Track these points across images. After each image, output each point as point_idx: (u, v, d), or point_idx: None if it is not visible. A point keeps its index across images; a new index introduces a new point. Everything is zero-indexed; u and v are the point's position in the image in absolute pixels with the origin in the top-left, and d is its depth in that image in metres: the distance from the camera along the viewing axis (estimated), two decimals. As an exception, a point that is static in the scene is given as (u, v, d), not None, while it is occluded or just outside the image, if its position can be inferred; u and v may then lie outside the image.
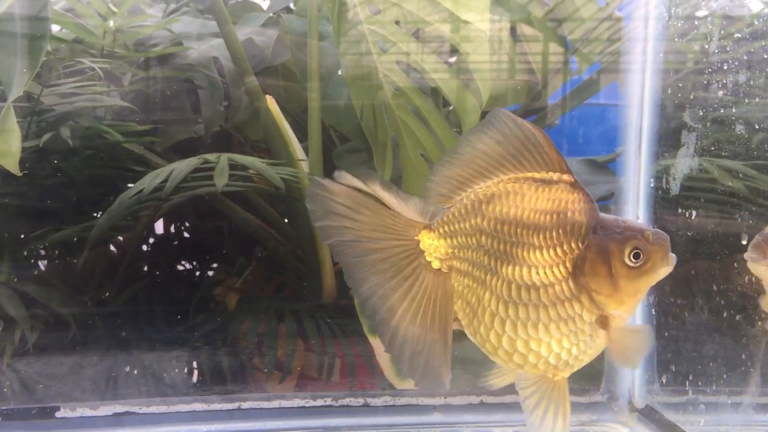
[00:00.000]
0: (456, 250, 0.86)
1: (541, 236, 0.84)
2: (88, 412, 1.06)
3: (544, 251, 0.84)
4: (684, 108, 1.01)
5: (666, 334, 1.00)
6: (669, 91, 1.13)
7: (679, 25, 1.13)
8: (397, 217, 0.86)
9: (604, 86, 1.61)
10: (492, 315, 0.84)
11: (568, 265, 0.84)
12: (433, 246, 0.86)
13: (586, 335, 0.85)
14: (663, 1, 1.16)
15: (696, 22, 1.12)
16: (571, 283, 0.84)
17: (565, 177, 0.84)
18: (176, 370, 1.39)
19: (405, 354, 0.85)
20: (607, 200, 1.45)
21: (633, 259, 0.84)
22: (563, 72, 1.68)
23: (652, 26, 1.18)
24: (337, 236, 0.87)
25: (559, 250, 0.84)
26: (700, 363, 1.01)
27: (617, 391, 1.23)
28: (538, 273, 0.83)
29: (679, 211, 1.05)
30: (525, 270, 0.83)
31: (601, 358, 1.15)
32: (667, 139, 1.12)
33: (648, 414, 1.15)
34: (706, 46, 1.05)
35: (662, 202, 1.10)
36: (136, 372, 1.35)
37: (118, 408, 1.07)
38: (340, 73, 1.53)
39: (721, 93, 1.01)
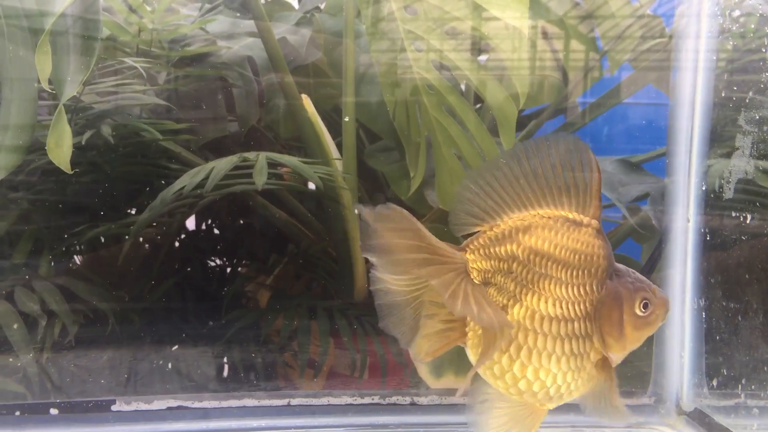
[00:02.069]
0: (488, 273, 0.87)
1: (568, 273, 0.87)
2: (143, 406, 1.09)
3: (570, 288, 0.87)
4: (738, 110, 1.01)
5: (717, 338, 1.00)
6: (723, 95, 1.12)
7: (735, 27, 1.12)
8: (435, 239, 0.84)
9: (639, 88, 1.61)
10: (509, 340, 0.87)
11: (588, 304, 0.88)
12: (475, 269, 0.87)
13: (585, 373, 0.89)
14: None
15: (748, 20, 1.11)
16: (587, 322, 0.88)
17: (594, 222, 0.88)
18: (210, 365, 1.41)
19: None
20: (643, 201, 1.45)
21: (642, 309, 0.89)
22: (586, 72, 1.67)
23: (705, 24, 1.17)
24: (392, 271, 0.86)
25: (582, 289, 0.87)
26: (754, 367, 1.01)
27: (664, 394, 1.22)
28: (561, 307, 0.86)
29: (734, 214, 1.05)
30: (550, 302, 0.86)
31: (648, 361, 1.15)
32: (720, 141, 1.11)
33: (697, 417, 1.14)
34: (764, 49, 1.04)
35: (715, 205, 1.10)
36: (170, 366, 1.37)
37: (171, 402, 1.10)
38: (372, 71, 1.54)
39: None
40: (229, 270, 1.71)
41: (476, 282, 0.86)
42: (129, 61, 1.33)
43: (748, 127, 0.98)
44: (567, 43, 1.68)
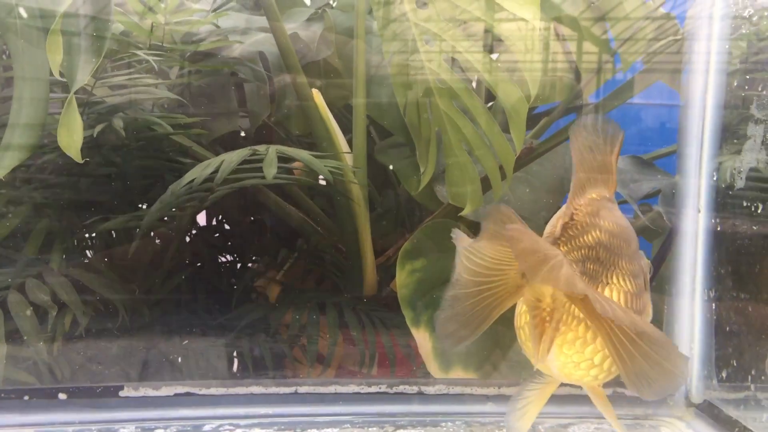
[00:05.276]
0: (578, 264, 0.82)
1: (631, 247, 0.86)
2: (151, 392, 1.09)
3: (634, 261, 0.86)
4: (751, 101, 0.99)
5: (727, 329, 0.98)
6: (735, 93, 1.11)
7: (748, 28, 1.11)
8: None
9: (647, 86, 1.60)
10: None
11: (646, 272, 0.88)
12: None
13: None
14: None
15: (761, 20, 1.09)
16: (647, 293, 0.87)
17: (613, 197, 0.89)
18: (219, 358, 1.41)
19: None
20: (654, 198, 1.43)
21: None
22: (599, 70, 1.66)
23: (717, 25, 1.16)
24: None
25: (639, 261, 0.87)
26: (763, 357, 1.00)
27: (674, 387, 1.21)
28: (635, 282, 0.84)
29: (745, 204, 1.03)
30: (628, 279, 0.84)
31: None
32: (732, 139, 1.09)
33: (706, 409, 1.13)
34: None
35: (726, 195, 1.09)
36: (180, 360, 1.37)
37: (179, 389, 1.10)
38: (384, 68, 1.53)
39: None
40: (239, 266, 1.72)
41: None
42: (141, 54, 1.34)
43: (761, 115, 0.97)
44: (579, 42, 1.67)
